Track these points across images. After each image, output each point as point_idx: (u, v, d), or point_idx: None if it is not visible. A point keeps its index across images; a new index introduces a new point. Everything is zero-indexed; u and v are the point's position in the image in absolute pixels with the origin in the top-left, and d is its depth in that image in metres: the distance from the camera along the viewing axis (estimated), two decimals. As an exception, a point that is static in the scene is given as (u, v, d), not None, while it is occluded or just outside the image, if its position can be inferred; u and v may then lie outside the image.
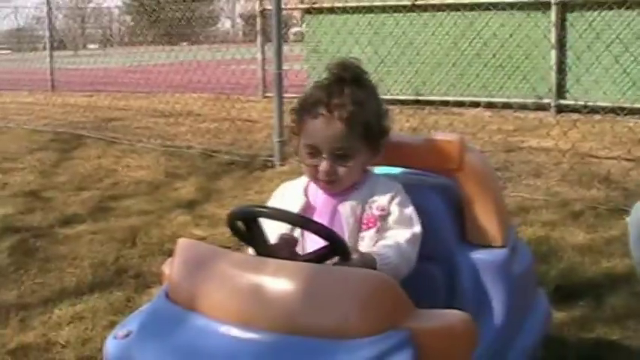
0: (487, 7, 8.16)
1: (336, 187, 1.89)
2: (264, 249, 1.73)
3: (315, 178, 1.90)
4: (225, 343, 1.54)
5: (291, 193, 1.95)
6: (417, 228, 1.86)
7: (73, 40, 23.22)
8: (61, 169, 5.74)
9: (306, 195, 1.93)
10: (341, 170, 1.86)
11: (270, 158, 5.69)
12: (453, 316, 1.59)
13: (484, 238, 2.02)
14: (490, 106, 8.31)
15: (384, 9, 8.82)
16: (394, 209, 1.86)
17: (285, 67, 5.82)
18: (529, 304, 2.17)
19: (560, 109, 7.91)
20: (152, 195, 4.89)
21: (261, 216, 1.71)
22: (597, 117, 7.16)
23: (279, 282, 1.55)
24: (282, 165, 5.58)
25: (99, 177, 5.40)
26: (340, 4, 8.99)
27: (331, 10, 9.18)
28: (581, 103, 7.30)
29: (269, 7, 8.04)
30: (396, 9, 8.74)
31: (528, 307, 2.15)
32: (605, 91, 7.63)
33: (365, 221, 1.86)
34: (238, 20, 28.09)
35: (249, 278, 1.57)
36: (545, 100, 7.97)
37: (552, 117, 7.77)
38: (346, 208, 1.88)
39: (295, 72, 8.76)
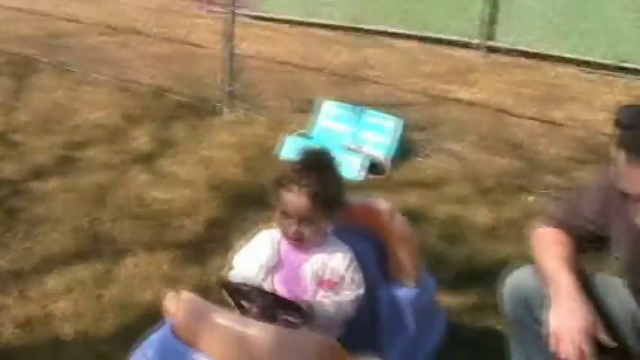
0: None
1: (302, 244, 2.53)
2: (247, 311, 2.37)
3: (286, 235, 2.53)
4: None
5: (266, 245, 2.58)
6: (361, 290, 2.53)
7: None
8: (21, 104, 6.15)
9: (278, 250, 2.57)
10: (306, 231, 2.49)
11: (218, 104, 6.20)
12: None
13: (402, 279, 2.72)
14: (423, 40, 8.94)
15: None
16: (348, 276, 2.52)
17: None
18: (431, 320, 2.90)
19: (492, 50, 8.57)
20: (111, 145, 5.38)
21: (245, 294, 2.34)
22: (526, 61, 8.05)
23: (257, 341, 2.20)
24: (230, 112, 6.11)
25: (60, 117, 5.84)
26: None
27: None
28: (509, 46, 8.25)
29: None
30: None
31: (430, 324, 2.88)
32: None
33: (324, 284, 2.51)
34: None
35: (235, 335, 2.22)
36: (475, 41, 8.60)
37: (482, 57, 8.46)
38: (308, 271, 2.52)
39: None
